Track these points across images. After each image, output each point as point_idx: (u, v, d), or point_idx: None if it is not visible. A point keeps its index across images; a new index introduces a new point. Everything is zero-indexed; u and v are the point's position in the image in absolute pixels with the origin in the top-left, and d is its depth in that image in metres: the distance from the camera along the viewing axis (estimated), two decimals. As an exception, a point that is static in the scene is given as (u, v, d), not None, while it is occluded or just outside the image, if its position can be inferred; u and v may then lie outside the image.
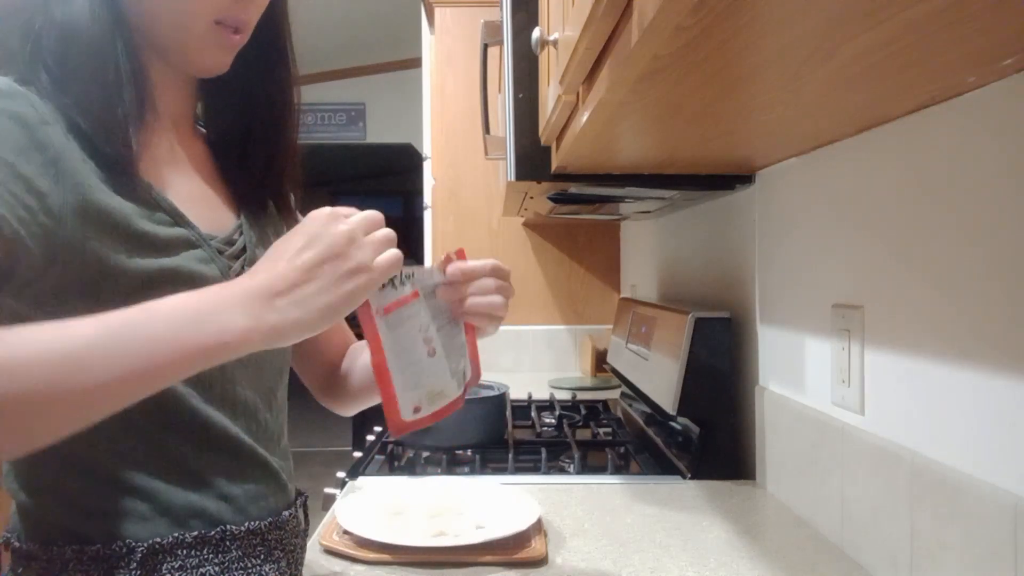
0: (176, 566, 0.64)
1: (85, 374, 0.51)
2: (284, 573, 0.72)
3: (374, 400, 0.87)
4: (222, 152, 0.78)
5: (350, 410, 0.92)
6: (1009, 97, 0.64)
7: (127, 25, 0.66)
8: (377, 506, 1.02)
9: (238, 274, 0.67)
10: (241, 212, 0.76)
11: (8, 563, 0.67)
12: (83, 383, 0.51)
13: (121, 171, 0.63)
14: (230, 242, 0.72)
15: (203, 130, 0.81)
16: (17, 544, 0.65)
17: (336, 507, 1.03)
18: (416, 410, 0.72)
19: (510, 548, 0.90)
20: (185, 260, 0.65)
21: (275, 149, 0.79)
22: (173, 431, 0.66)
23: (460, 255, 0.74)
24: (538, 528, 0.96)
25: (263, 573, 0.69)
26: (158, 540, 0.63)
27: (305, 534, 0.80)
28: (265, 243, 0.74)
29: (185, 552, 0.64)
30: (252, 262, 0.70)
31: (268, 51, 0.77)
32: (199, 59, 0.70)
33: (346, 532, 0.94)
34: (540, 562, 0.88)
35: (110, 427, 0.59)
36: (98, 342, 0.51)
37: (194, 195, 0.71)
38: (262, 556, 0.69)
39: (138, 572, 0.62)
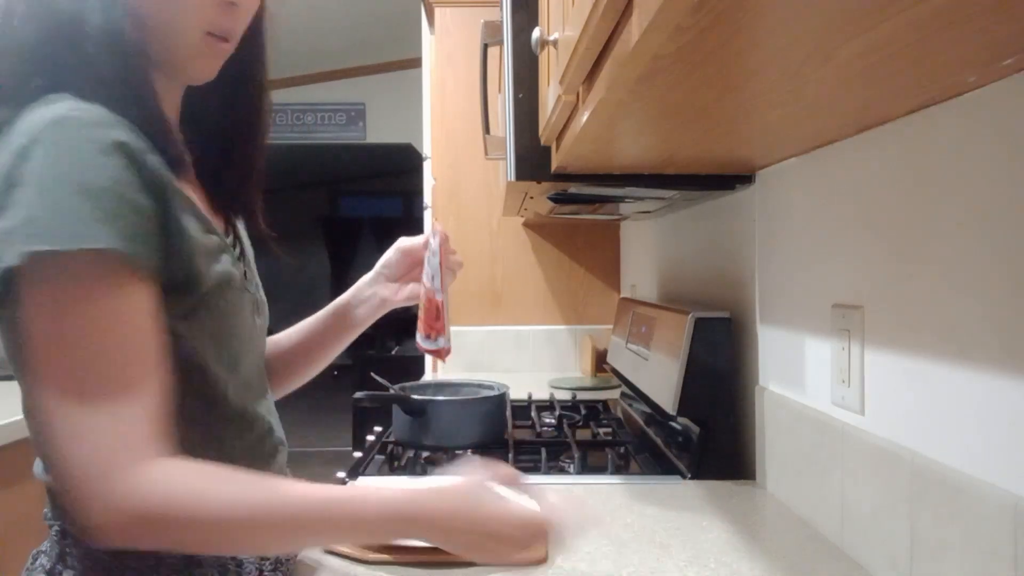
0: None
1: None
2: None
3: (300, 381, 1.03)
4: (201, 159, 0.80)
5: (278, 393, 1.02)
6: (1009, 97, 0.64)
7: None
8: None
9: (243, 274, 0.77)
10: (228, 215, 0.81)
11: (54, 547, 0.71)
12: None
13: (173, 195, 0.68)
14: (233, 244, 0.79)
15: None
16: (71, 527, 0.69)
17: None
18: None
19: None
20: (228, 264, 0.73)
21: (247, 155, 0.83)
22: (226, 424, 0.74)
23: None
24: None
25: None
26: None
27: None
28: (245, 243, 0.85)
29: None
30: (249, 263, 0.82)
31: (247, 58, 0.80)
32: (190, 68, 0.73)
33: None
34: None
35: (175, 423, 0.67)
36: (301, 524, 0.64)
37: (199, 202, 0.75)
38: None
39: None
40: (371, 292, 1.02)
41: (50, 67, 0.64)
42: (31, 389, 0.62)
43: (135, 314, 0.62)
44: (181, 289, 0.67)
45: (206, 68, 0.74)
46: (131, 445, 0.60)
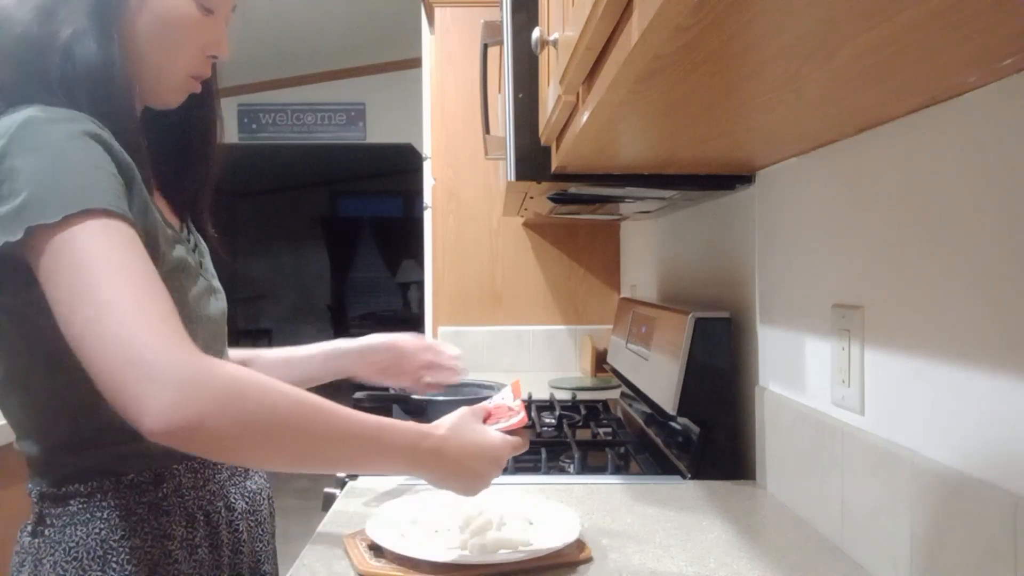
0: (189, 485, 0.82)
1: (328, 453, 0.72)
2: (262, 488, 0.94)
3: None
4: (159, 169, 0.91)
5: None
6: (1009, 97, 0.64)
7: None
8: (409, 522, 0.97)
9: (199, 264, 0.88)
10: (184, 215, 0.93)
11: (33, 511, 0.78)
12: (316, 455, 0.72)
13: (137, 183, 0.78)
14: (187, 238, 0.90)
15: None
16: (45, 489, 0.77)
17: (368, 527, 0.93)
18: None
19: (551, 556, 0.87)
20: (182, 251, 0.84)
21: (201, 164, 0.95)
22: None
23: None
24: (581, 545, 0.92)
25: (247, 487, 0.91)
26: (176, 465, 0.81)
27: None
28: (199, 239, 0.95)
29: (192, 476, 0.83)
30: (203, 253, 0.92)
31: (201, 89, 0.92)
32: (169, 99, 0.86)
33: (381, 552, 0.89)
34: (587, 560, 0.87)
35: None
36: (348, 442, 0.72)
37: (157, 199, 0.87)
38: (243, 474, 0.91)
39: (166, 492, 0.80)
40: (344, 365, 1.11)
41: (36, 80, 0.74)
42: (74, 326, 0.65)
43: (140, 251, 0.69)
44: None
45: (178, 100, 0.87)
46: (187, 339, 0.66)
